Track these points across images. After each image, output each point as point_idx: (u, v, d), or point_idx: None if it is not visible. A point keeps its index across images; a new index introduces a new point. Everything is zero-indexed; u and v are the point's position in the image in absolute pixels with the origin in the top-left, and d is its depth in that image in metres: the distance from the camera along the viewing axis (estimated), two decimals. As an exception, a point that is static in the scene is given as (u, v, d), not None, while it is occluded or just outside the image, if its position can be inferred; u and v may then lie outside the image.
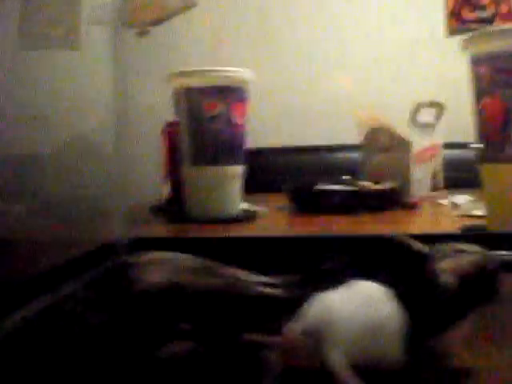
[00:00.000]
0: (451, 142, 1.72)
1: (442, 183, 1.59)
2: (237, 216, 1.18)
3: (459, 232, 0.88)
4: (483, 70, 0.88)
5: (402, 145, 1.48)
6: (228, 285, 0.43)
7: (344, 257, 0.45)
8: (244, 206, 1.25)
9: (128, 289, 0.39)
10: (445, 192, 1.54)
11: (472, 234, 0.85)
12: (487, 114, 0.90)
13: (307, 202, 1.26)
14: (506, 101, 0.86)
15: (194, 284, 0.42)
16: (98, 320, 0.37)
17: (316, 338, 0.39)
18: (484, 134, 0.90)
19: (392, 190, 1.25)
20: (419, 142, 1.50)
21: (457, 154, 1.91)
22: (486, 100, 0.89)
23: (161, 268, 0.41)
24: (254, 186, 1.25)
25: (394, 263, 0.42)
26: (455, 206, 1.31)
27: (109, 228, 0.80)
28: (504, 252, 0.76)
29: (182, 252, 0.76)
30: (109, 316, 0.37)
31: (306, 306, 0.40)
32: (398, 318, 0.39)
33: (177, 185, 1.28)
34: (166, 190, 1.33)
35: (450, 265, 0.42)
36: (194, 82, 1.13)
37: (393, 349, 0.38)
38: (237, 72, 1.15)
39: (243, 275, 0.44)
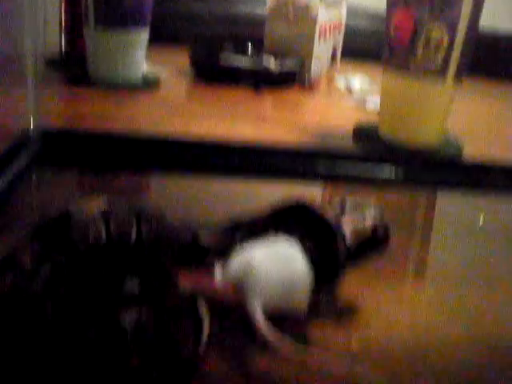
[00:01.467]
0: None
1: (339, 59, 1.64)
2: (139, 83, 1.16)
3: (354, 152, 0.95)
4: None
5: (307, 19, 1.48)
6: (161, 234, 0.46)
7: (266, 214, 0.50)
8: (146, 68, 1.23)
9: (73, 245, 0.42)
10: (342, 68, 1.60)
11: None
12: (397, 24, 0.93)
13: (211, 75, 1.26)
14: (416, 16, 0.89)
15: (126, 235, 0.45)
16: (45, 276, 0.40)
17: (238, 291, 0.45)
18: (392, 42, 0.94)
19: (295, 72, 1.29)
20: (324, 17, 1.51)
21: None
22: (399, 9, 0.92)
23: (102, 219, 0.44)
24: (158, 33, 1.21)
25: (305, 227, 0.48)
26: (350, 91, 1.38)
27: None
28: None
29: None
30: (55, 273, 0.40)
31: (229, 259, 0.46)
32: (306, 274, 0.46)
33: (75, 41, 1.22)
34: (64, 43, 1.26)
35: (349, 224, 0.49)
36: None
37: (301, 301, 0.46)
38: None
39: (177, 224, 0.48)
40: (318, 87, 1.35)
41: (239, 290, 0.45)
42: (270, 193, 0.77)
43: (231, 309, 0.45)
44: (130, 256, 0.45)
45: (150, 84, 1.18)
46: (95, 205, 0.45)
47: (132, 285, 0.41)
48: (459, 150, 0.99)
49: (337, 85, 1.42)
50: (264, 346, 0.42)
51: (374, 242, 0.50)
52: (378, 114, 1.03)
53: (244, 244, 0.47)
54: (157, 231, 0.47)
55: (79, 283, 0.43)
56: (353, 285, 0.55)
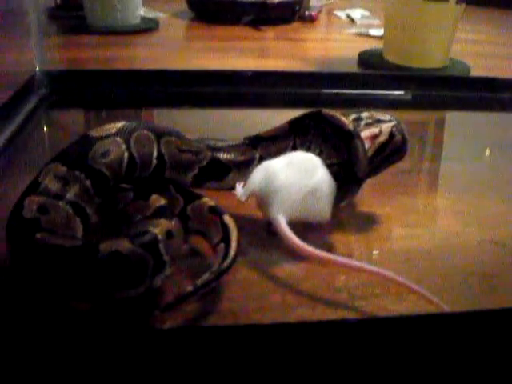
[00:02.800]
0: None
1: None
2: (138, 26, 1.15)
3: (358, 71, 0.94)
4: None
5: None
6: (181, 151, 0.47)
7: (284, 125, 0.50)
8: (144, 12, 1.21)
9: (92, 165, 0.42)
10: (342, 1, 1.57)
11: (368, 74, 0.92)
12: None
13: (209, 12, 1.24)
14: None
15: (148, 154, 0.45)
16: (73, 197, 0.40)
17: (261, 204, 0.45)
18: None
19: (295, 3, 1.26)
20: None
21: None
22: None
23: (119, 141, 0.44)
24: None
25: (323, 136, 0.48)
26: (351, 20, 1.35)
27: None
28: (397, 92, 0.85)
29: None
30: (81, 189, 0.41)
31: (252, 172, 0.46)
32: (327, 182, 0.46)
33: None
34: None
35: (368, 134, 0.49)
36: None
37: (323, 208, 0.46)
38: None
39: (196, 141, 0.48)
40: (319, 20, 1.33)
41: (262, 203, 0.45)
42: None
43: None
44: (152, 177, 0.46)
45: (148, 26, 1.16)
46: (114, 127, 0.45)
47: (158, 200, 0.42)
48: (466, 69, 0.98)
49: (338, 16, 1.39)
50: (290, 255, 0.43)
51: (392, 147, 0.50)
52: (383, 39, 1.02)
53: (264, 159, 0.48)
54: (177, 150, 0.47)
55: (106, 204, 0.44)
56: (373, 196, 0.55)
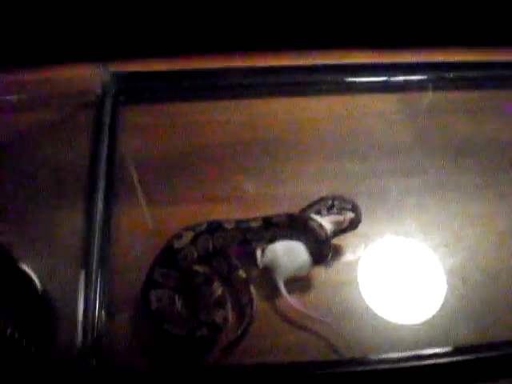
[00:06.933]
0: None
1: None
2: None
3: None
4: None
5: None
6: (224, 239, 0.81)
7: (285, 219, 0.83)
8: None
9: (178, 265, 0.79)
10: None
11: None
12: None
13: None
14: None
15: (207, 247, 0.81)
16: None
17: (269, 272, 0.81)
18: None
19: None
20: None
21: None
22: None
23: (192, 249, 0.80)
24: None
25: (306, 235, 0.81)
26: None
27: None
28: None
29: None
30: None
31: (263, 249, 0.81)
32: (307, 258, 0.81)
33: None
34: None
35: (335, 219, 0.83)
36: None
37: (304, 273, 0.82)
38: None
39: (232, 230, 0.82)
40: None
41: (269, 271, 0.81)
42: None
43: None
44: (210, 258, 0.82)
45: None
46: (187, 239, 0.80)
47: (217, 290, 0.79)
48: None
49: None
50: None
51: (348, 229, 0.85)
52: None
53: (272, 240, 0.83)
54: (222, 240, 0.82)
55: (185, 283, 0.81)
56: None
